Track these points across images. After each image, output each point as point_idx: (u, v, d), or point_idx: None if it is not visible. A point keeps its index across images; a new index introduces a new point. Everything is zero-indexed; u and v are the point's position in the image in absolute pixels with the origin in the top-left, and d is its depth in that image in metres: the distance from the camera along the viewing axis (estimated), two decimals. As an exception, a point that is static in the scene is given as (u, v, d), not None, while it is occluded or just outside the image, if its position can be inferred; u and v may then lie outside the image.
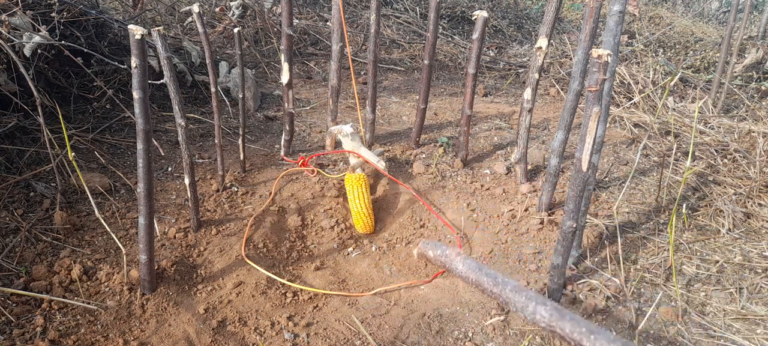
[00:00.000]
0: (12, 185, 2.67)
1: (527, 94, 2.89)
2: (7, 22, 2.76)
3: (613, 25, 2.10)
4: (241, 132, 2.91)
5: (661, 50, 5.62)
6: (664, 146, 3.52)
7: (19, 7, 2.86)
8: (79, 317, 2.09)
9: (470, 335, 2.12)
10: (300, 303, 2.34)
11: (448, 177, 3.14)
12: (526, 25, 6.75)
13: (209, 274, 2.39)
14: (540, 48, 2.75)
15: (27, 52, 2.78)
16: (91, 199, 2.32)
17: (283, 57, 3.01)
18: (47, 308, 2.09)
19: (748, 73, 4.67)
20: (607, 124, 3.40)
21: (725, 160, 3.34)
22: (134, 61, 1.87)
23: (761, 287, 2.33)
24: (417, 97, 3.98)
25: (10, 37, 2.74)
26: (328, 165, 3.22)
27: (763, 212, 2.82)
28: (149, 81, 2.06)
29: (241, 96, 2.85)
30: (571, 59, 5.26)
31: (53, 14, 3.02)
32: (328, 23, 5.68)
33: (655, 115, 3.85)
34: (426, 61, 3.13)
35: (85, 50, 3.10)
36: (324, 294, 2.40)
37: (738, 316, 2.19)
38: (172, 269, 2.34)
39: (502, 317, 2.18)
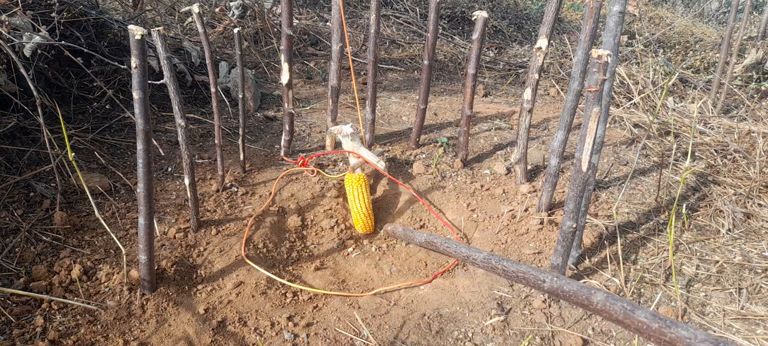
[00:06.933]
0: (12, 185, 2.67)
1: (527, 94, 2.89)
2: (7, 22, 2.76)
3: (613, 26, 2.10)
4: (241, 132, 2.91)
5: (661, 50, 5.62)
6: (664, 146, 3.52)
7: (19, 7, 2.86)
8: (78, 317, 2.09)
9: (470, 335, 2.12)
10: (300, 303, 2.34)
11: (448, 177, 3.14)
12: (526, 26, 6.75)
13: (209, 274, 2.39)
14: (540, 48, 2.75)
15: (27, 52, 2.78)
16: (91, 199, 2.32)
17: (283, 57, 3.01)
18: (47, 308, 2.09)
19: (748, 74, 4.67)
20: (607, 125, 3.40)
21: (725, 161, 3.34)
22: (134, 62, 1.87)
23: (761, 287, 2.33)
24: (417, 97, 3.98)
25: (10, 37, 2.74)
26: (328, 165, 3.22)
27: (763, 212, 2.82)
28: (149, 81, 2.06)
29: (241, 96, 2.85)
30: (571, 59, 5.26)
31: (53, 14, 3.03)
32: (328, 23, 5.68)
33: (654, 115, 3.85)
34: (426, 62, 3.13)
35: (85, 50, 3.10)
36: (324, 294, 2.40)
37: (738, 316, 2.19)
38: (172, 269, 2.34)
39: (502, 318, 2.18)
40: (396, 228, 2.60)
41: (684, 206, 2.86)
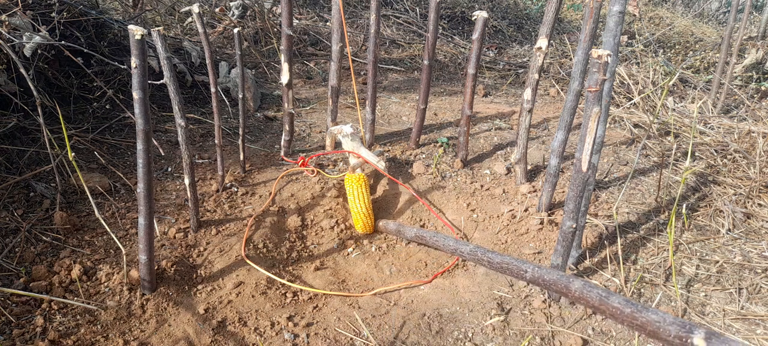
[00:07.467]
0: (12, 185, 2.67)
1: (527, 94, 2.89)
2: (7, 22, 2.76)
3: (613, 26, 2.10)
4: (241, 132, 2.91)
5: (661, 50, 5.62)
6: (664, 146, 3.52)
7: (19, 7, 2.86)
8: (78, 317, 2.09)
9: (470, 335, 2.12)
10: (300, 303, 2.34)
11: (448, 177, 3.14)
12: (526, 26, 6.75)
13: (209, 274, 2.39)
14: (540, 48, 2.75)
15: (27, 52, 2.78)
16: (91, 199, 2.31)
17: (283, 57, 3.01)
18: (47, 308, 2.09)
19: (748, 74, 4.67)
20: (607, 125, 3.40)
21: (725, 161, 3.35)
22: (134, 62, 1.87)
23: (761, 287, 2.33)
24: (417, 97, 3.98)
25: (10, 37, 2.74)
26: (328, 165, 3.22)
27: (763, 212, 2.82)
28: (149, 81, 2.06)
29: (241, 96, 2.85)
30: (571, 59, 5.26)
31: (53, 14, 3.03)
32: (328, 23, 5.68)
33: (654, 115, 3.85)
34: (426, 62, 3.13)
35: (85, 50, 3.10)
36: (324, 294, 2.40)
37: (738, 316, 2.19)
38: (172, 269, 2.34)
39: (502, 318, 2.18)
40: (388, 223, 2.68)
41: (684, 206, 2.86)
